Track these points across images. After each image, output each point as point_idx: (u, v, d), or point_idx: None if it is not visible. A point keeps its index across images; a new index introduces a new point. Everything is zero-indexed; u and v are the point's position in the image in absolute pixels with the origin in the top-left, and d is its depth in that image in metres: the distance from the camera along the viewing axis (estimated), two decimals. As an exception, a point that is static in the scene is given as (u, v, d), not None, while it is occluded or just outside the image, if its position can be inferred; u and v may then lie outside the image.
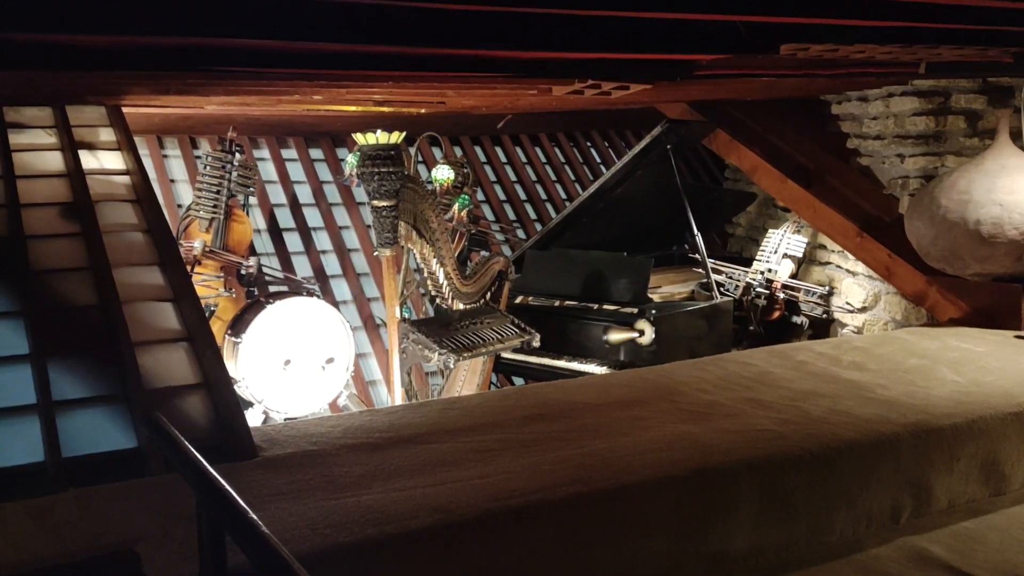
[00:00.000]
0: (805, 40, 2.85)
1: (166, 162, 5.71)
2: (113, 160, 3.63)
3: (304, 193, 6.09)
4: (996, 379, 3.32)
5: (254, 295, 4.88)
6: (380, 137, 3.95)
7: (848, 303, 5.29)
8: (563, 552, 2.28)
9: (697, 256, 5.09)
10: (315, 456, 2.56)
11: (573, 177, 7.24)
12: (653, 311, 4.48)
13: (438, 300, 4.41)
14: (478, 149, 6.95)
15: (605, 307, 4.70)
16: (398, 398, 4.14)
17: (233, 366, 4.33)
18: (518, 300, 4.93)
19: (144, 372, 2.70)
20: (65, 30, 2.19)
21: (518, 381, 5.44)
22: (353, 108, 4.52)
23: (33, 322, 2.74)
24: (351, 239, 6.10)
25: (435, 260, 4.19)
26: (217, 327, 4.57)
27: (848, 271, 5.38)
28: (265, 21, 2.28)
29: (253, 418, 4.37)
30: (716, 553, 2.48)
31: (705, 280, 5.07)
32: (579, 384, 3.39)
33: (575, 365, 4.63)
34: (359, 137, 3.98)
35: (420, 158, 6.18)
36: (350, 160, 4.24)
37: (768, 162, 5.31)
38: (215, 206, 4.88)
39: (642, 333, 4.41)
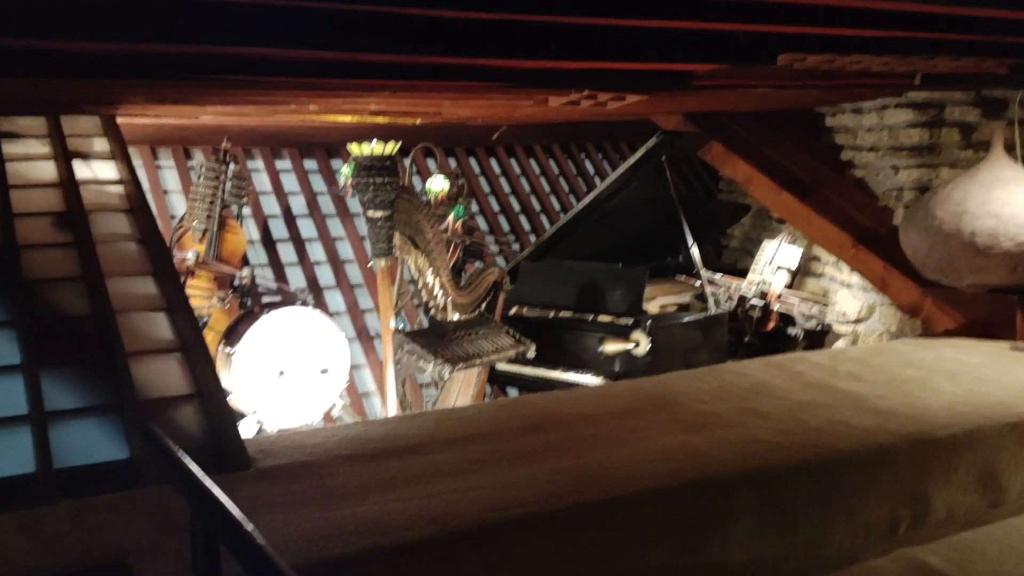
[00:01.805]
0: (803, 50, 2.86)
1: (160, 172, 5.70)
2: (107, 170, 3.61)
3: (298, 204, 6.08)
4: (992, 390, 3.32)
5: (248, 306, 4.85)
6: (375, 147, 3.94)
7: (843, 314, 5.28)
8: (561, 563, 2.26)
9: (692, 267, 5.09)
10: (310, 467, 2.54)
11: (568, 189, 7.25)
12: (648, 322, 4.47)
13: (433, 311, 4.40)
14: (473, 160, 6.95)
15: (600, 318, 4.69)
16: (392, 410, 4.12)
17: (227, 377, 4.31)
18: (513, 311, 4.92)
19: (137, 382, 2.68)
20: (62, 37, 2.18)
21: (512, 392, 5.42)
22: (349, 118, 4.51)
23: (25, 332, 2.72)
24: (345, 250, 6.09)
25: (430, 271, 4.17)
26: (211, 338, 4.54)
27: (843, 282, 5.38)
28: (262, 29, 2.28)
29: (247, 429, 4.34)
30: (714, 564, 2.46)
31: (700, 291, 5.07)
32: (576, 395, 3.37)
33: (570, 376, 4.62)
34: (354, 147, 3.97)
35: (415, 169, 6.17)
36: (345, 171, 4.22)
37: (763, 174, 5.31)
38: (209, 217, 4.86)
39: (637, 344, 4.40)
